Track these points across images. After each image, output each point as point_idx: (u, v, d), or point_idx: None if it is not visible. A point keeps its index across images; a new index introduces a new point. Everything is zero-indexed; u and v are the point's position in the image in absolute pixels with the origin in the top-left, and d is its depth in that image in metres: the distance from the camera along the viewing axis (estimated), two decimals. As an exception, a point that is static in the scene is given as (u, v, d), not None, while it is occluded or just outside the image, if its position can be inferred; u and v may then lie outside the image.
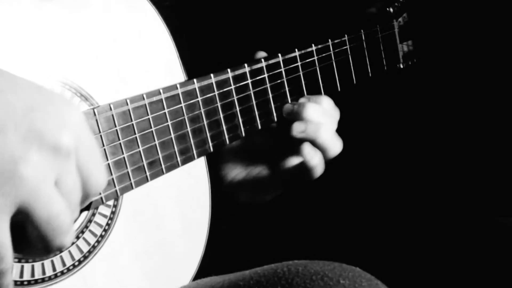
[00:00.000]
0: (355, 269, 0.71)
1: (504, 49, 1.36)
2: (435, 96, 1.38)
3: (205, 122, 0.84)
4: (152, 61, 0.81)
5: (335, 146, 0.94)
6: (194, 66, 0.89)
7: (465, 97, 1.37)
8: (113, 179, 0.73)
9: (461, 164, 1.39)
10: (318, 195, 1.30)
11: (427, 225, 1.17)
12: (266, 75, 0.92)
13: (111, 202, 0.76)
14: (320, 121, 0.92)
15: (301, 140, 0.92)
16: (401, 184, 1.38)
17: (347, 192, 1.36)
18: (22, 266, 0.68)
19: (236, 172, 0.98)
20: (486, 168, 1.36)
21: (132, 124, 0.75)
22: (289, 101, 0.95)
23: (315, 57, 0.99)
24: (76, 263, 0.72)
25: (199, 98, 0.83)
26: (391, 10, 1.20)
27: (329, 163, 0.94)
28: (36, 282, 0.69)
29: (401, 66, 1.23)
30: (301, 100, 0.95)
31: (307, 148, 0.91)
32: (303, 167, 0.91)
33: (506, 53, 1.36)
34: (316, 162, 0.90)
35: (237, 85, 0.88)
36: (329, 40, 1.02)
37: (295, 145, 0.93)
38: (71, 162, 0.55)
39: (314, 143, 0.92)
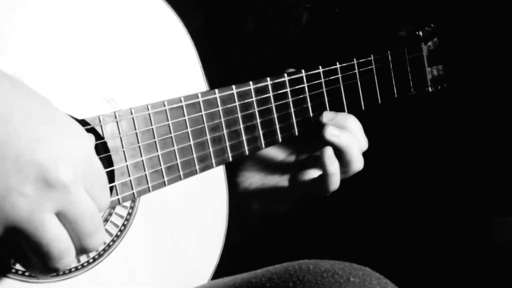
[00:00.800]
0: (365, 268, 0.73)
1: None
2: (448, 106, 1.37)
3: (225, 132, 0.86)
4: (176, 71, 0.83)
5: (359, 163, 0.94)
6: (218, 79, 0.91)
7: (468, 101, 1.36)
8: (130, 180, 0.76)
9: (461, 164, 1.37)
10: (327, 199, 1.30)
11: (428, 225, 1.16)
12: (288, 89, 0.94)
13: (128, 204, 0.78)
14: (357, 135, 0.93)
15: (320, 153, 0.92)
16: (403, 185, 1.37)
17: (354, 196, 1.35)
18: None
19: (253, 180, 0.99)
20: (486, 169, 1.35)
21: (152, 128, 0.77)
22: (311, 116, 0.97)
23: (339, 75, 1.00)
24: (91, 261, 0.74)
25: (220, 108, 0.85)
26: (421, 33, 1.21)
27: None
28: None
29: (430, 90, 1.23)
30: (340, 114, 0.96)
31: (328, 151, 0.90)
32: (321, 177, 0.91)
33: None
34: (334, 169, 0.90)
35: (259, 97, 0.90)
36: (354, 59, 1.03)
37: (315, 158, 0.94)
38: (74, 193, 0.57)
39: (341, 155, 0.92)
